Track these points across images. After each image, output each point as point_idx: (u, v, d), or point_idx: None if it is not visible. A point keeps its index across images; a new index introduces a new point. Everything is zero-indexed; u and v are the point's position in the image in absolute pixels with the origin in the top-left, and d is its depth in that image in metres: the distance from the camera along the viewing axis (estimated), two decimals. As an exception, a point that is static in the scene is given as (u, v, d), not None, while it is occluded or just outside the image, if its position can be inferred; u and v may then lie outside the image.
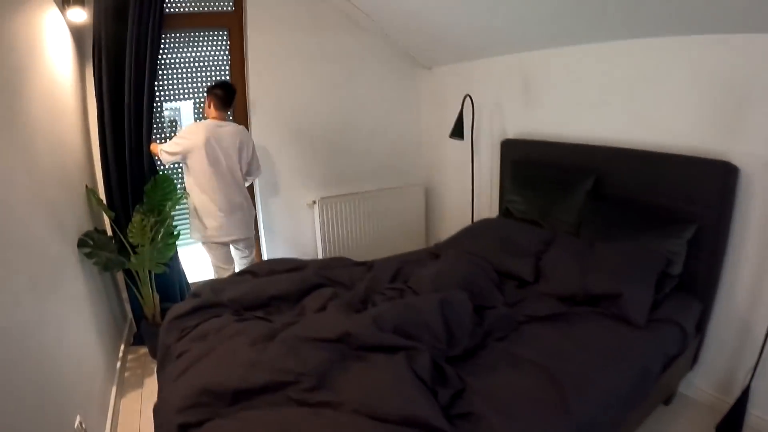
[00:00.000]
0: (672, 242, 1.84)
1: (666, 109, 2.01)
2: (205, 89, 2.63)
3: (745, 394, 1.74)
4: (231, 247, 2.71)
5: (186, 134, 2.44)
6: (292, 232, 3.38)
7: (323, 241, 3.34)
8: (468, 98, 2.79)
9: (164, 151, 2.44)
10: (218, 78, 3.00)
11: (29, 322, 1.34)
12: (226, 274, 2.55)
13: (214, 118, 2.49)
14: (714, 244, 1.83)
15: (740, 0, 1.54)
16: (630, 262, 1.82)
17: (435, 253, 2.40)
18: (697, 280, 1.88)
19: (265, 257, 3.35)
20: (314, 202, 3.30)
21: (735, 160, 1.76)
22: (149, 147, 2.53)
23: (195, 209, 2.52)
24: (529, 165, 2.60)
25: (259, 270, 2.20)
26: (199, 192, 2.48)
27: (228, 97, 2.50)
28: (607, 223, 2.08)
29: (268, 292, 1.89)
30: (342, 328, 1.46)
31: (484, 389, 1.32)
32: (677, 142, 1.95)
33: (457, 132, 2.75)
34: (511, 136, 2.86)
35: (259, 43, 2.95)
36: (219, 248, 2.64)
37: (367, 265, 2.25)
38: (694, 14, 1.72)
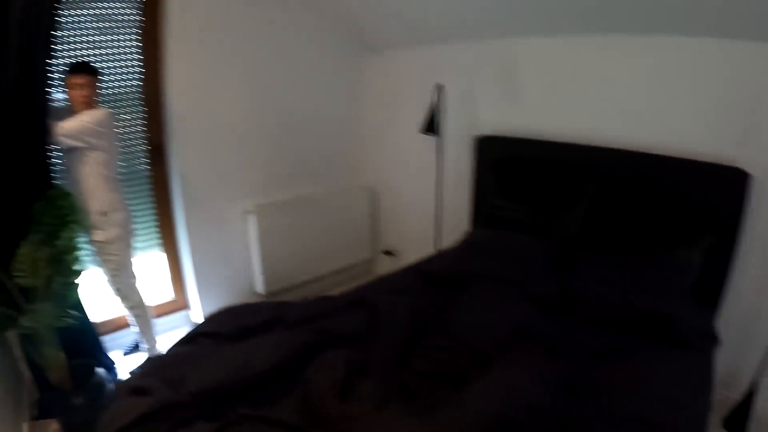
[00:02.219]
0: (695, 253, 1.81)
1: (672, 111, 1.97)
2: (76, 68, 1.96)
3: (753, 388, 1.83)
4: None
5: (105, 125, 2.00)
6: (222, 249, 2.72)
7: (263, 257, 2.76)
8: (437, 89, 2.50)
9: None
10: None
11: None
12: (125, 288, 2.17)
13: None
14: (727, 252, 1.86)
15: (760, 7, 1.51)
16: (667, 277, 1.74)
17: (429, 275, 2.10)
18: (706, 286, 1.88)
19: (190, 282, 2.64)
20: (250, 212, 2.71)
21: (744, 167, 1.77)
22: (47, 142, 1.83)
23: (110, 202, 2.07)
24: (518, 166, 2.40)
25: (222, 329, 1.58)
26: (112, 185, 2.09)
27: None
28: (618, 233, 1.98)
29: (253, 369, 1.33)
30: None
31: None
32: (684, 146, 1.93)
33: (430, 127, 2.50)
34: (486, 132, 2.60)
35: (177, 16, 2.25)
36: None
37: (366, 305, 1.77)
38: (706, 17, 1.69)
